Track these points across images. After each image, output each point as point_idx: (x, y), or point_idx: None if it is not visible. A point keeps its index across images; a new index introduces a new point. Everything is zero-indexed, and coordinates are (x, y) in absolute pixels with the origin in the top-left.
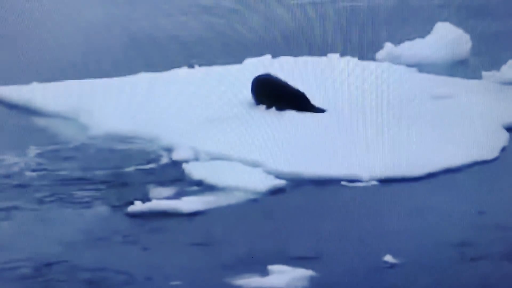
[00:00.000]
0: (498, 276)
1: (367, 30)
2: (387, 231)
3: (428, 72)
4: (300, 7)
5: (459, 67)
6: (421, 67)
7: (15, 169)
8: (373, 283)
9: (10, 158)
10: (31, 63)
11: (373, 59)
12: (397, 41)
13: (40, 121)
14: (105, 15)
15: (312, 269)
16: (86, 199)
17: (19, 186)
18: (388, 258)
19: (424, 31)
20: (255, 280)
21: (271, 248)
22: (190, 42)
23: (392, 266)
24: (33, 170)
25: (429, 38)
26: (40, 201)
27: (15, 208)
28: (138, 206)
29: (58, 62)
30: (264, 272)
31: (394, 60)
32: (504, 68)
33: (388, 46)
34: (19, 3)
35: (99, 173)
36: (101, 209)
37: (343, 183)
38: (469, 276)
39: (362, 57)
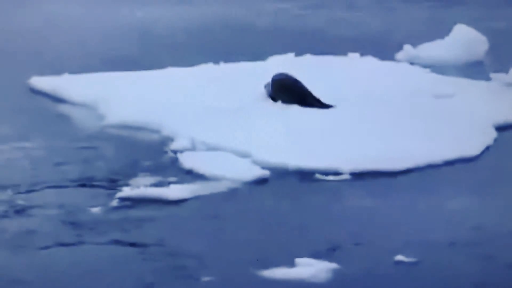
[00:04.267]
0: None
1: (388, 32)
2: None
3: (442, 72)
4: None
5: (473, 68)
6: (436, 68)
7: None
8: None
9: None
10: (65, 56)
11: (393, 59)
12: (417, 43)
13: (65, 109)
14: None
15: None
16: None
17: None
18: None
19: (443, 33)
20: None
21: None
22: (219, 39)
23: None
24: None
25: (447, 39)
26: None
27: None
28: (126, 192)
29: (90, 56)
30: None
31: (412, 61)
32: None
33: (407, 48)
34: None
35: (100, 161)
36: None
37: (319, 176)
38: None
39: (383, 58)
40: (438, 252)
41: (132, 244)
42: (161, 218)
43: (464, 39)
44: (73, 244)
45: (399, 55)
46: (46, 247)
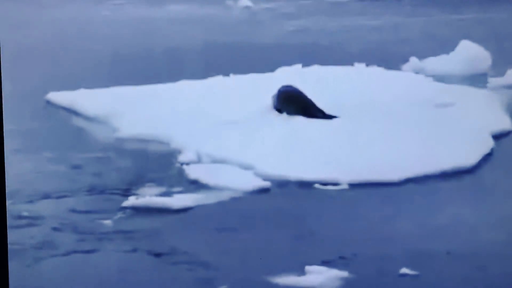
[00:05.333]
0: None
1: (395, 45)
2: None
3: (444, 81)
4: (331, 20)
5: (476, 80)
6: (439, 77)
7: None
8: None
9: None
10: (81, 71)
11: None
12: (422, 56)
13: (80, 123)
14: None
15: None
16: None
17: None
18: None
19: (449, 48)
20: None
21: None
22: (226, 51)
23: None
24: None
25: (452, 54)
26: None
27: None
28: (131, 201)
29: (105, 70)
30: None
31: (417, 72)
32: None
33: (413, 60)
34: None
35: (112, 172)
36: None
37: (318, 186)
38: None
39: (389, 68)
40: (436, 263)
41: (138, 251)
42: (167, 226)
43: (468, 55)
44: (79, 252)
45: (405, 67)
46: (54, 255)
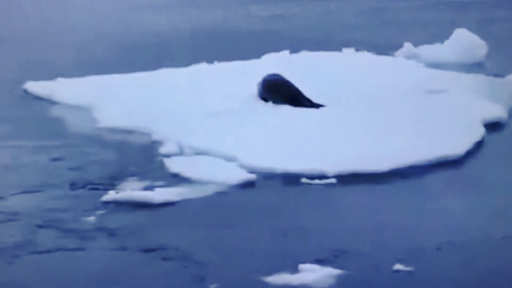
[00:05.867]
0: None
1: (390, 31)
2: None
3: (437, 67)
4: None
5: (472, 70)
6: (434, 66)
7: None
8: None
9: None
10: (57, 60)
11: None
12: (417, 43)
13: (58, 112)
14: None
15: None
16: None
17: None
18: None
19: (444, 37)
20: None
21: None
22: (212, 38)
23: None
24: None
25: (447, 42)
26: None
27: None
28: (111, 195)
29: (84, 58)
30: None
31: (411, 58)
32: None
33: (407, 45)
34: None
35: (92, 165)
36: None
37: (305, 180)
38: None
39: (381, 53)
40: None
41: (121, 248)
42: (149, 221)
43: (464, 43)
44: (61, 250)
45: (399, 53)
46: (31, 253)
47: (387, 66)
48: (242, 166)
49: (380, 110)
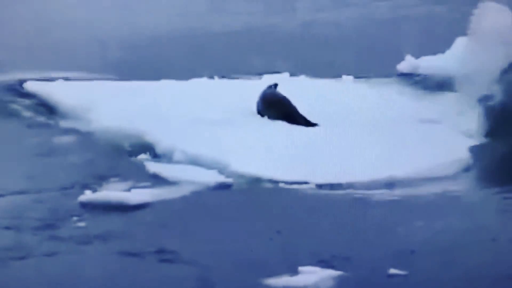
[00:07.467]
0: None
1: (392, 42)
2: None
3: (435, 88)
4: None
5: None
6: (434, 79)
7: None
8: None
9: None
10: (59, 62)
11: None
12: (419, 55)
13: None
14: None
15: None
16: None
17: None
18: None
19: (446, 46)
20: None
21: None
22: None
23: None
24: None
25: (448, 52)
26: None
27: None
28: (87, 195)
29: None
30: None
31: (414, 71)
32: None
33: (409, 58)
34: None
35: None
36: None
37: (282, 185)
38: None
39: (385, 67)
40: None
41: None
42: (125, 222)
43: (464, 52)
44: (40, 254)
45: (401, 66)
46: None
47: (381, 95)
48: (223, 172)
49: (370, 134)
